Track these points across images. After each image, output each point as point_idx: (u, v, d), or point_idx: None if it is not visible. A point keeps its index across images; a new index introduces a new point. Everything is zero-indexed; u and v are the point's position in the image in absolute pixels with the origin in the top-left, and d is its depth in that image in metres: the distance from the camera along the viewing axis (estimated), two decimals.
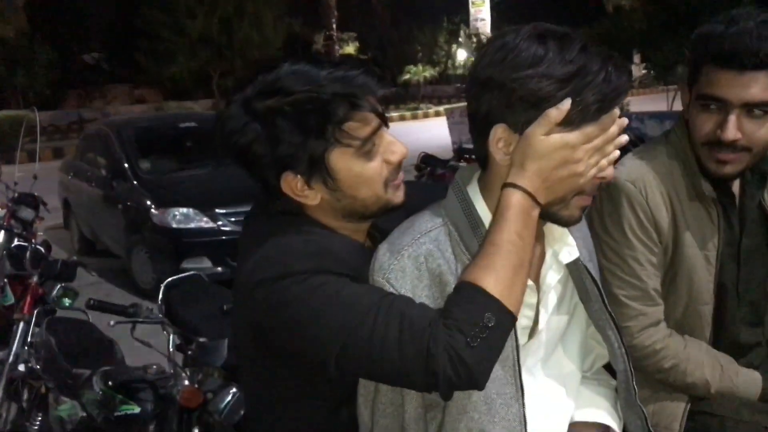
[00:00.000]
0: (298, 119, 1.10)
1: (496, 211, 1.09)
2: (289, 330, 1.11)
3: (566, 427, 1.31)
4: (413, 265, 1.11)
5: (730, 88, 1.40)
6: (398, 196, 1.20)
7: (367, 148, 1.14)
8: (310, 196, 1.17)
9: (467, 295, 1.04)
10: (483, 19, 27.19)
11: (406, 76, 27.53)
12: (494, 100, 1.08)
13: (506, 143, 1.09)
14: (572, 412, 1.32)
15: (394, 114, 23.01)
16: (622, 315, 1.52)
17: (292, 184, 1.15)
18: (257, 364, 1.25)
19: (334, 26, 25.03)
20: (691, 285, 1.55)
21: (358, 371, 1.13)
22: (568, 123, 1.04)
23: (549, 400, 1.27)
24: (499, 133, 1.09)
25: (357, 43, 29.34)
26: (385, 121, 1.16)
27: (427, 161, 7.88)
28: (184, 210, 5.68)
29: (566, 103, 1.03)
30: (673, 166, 1.56)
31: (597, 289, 1.25)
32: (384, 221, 1.25)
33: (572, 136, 1.05)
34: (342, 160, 1.13)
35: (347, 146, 1.12)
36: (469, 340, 1.01)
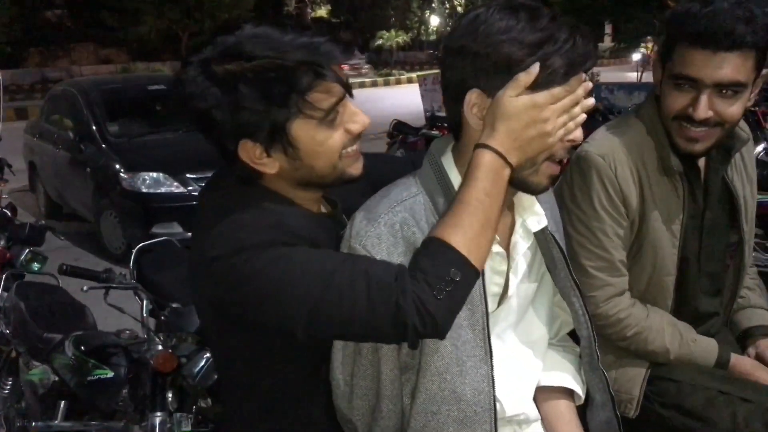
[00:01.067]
0: (261, 86, 1.07)
1: (467, 171, 1.11)
2: (252, 304, 1.11)
3: (533, 390, 1.37)
4: (389, 233, 1.13)
5: (702, 67, 1.44)
6: (356, 168, 1.20)
7: (330, 118, 1.12)
8: (268, 164, 1.15)
9: (435, 250, 1.07)
10: None
11: (379, 42, 27.22)
12: (468, 67, 1.12)
13: (480, 108, 1.13)
14: (540, 375, 1.38)
15: (366, 80, 22.81)
16: (589, 285, 1.58)
17: (251, 151, 1.13)
18: (223, 336, 1.24)
19: None
20: (656, 257, 1.61)
21: (326, 334, 1.15)
22: (537, 86, 1.09)
23: (518, 364, 1.33)
24: (473, 99, 1.13)
25: (329, 6, 28.91)
26: (349, 91, 1.14)
27: (400, 128, 7.86)
28: (154, 174, 5.63)
29: (535, 67, 1.08)
30: (643, 141, 1.60)
31: (563, 257, 1.30)
32: (344, 192, 1.25)
33: (540, 96, 1.08)
34: (304, 130, 1.12)
35: (310, 117, 1.11)
36: (435, 293, 1.04)
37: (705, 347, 1.64)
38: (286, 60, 1.06)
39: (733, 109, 1.48)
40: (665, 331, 1.61)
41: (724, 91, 1.45)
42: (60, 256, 2.94)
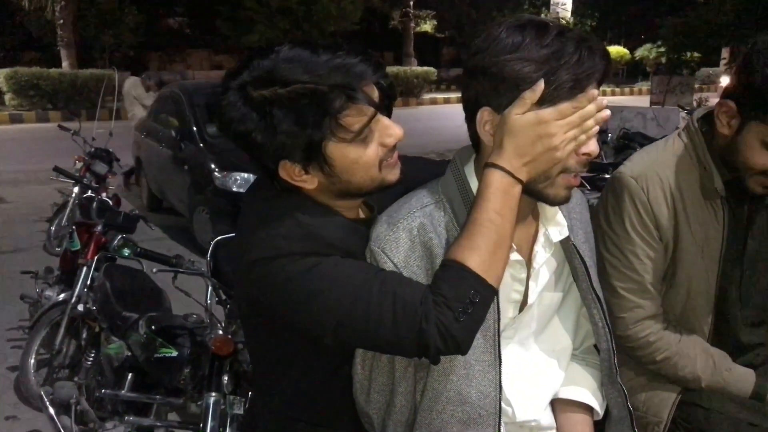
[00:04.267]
0: (295, 111, 1.10)
1: (478, 191, 1.15)
2: (286, 307, 1.16)
3: (549, 398, 1.39)
4: (407, 237, 1.19)
5: None
6: (394, 174, 1.23)
7: (362, 137, 1.15)
8: (307, 180, 1.19)
9: (453, 273, 1.12)
10: (564, 4, 26.43)
11: None
12: (480, 86, 1.15)
13: (492, 125, 1.16)
14: (559, 385, 1.40)
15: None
16: (619, 306, 1.59)
17: (290, 170, 1.18)
18: (257, 331, 1.32)
19: (411, 3, 24.85)
20: (690, 282, 1.59)
21: (352, 344, 1.23)
22: (544, 102, 1.10)
23: (537, 372, 1.35)
24: (485, 116, 1.16)
25: (435, 21, 29.09)
26: (380, 109, 1.16)
27: None
28: (245, 175, 5.91)
29: (540, 84, 1.09)
30: (682, 164, 1.58)
31: (585, 269, 1.32)
32: (381, 195, 1.30)
33: (545, 112, 1.10)
34: (338, 149, 1.15)
35: (343, 138, 1.14)
36: (457, 315, 1.10)
37: (740, 377, 1.60)
38: (319, 85, 1.09)
39: None
40: (697, 358, 1.59)
41: None
42: (154, 246, 3.16)
